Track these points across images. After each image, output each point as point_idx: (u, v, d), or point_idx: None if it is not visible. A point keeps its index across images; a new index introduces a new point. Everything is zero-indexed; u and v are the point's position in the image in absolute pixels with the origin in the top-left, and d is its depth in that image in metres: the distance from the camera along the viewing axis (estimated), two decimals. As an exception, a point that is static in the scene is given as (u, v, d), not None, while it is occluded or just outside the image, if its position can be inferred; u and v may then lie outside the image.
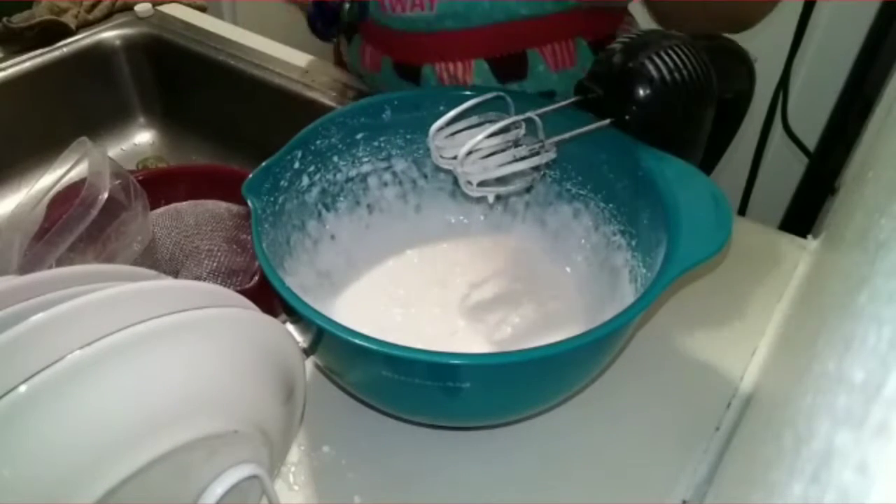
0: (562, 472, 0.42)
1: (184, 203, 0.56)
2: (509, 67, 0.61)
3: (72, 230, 0.46)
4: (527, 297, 0.50)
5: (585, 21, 0.61)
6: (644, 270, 0.43)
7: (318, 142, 0.48)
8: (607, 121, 0.46)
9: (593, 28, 0.62)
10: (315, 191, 0.49)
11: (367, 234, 0.53)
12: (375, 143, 0.51)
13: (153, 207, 0.54)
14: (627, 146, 0.45)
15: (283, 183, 0.46)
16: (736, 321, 0.51)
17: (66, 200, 0.49)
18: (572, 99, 0.48)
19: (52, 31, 0.76)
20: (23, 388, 0.25)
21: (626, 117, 0.45)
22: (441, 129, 0.43)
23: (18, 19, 0.75)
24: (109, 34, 0.81)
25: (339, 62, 0.80)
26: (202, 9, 0.87)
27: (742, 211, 0.80)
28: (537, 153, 0.43)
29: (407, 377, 0.36)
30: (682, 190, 0.42)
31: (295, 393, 0.37)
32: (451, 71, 0.62)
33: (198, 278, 0.52)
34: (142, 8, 0.83)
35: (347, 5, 0.63)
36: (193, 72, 0.80)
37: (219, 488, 0.31)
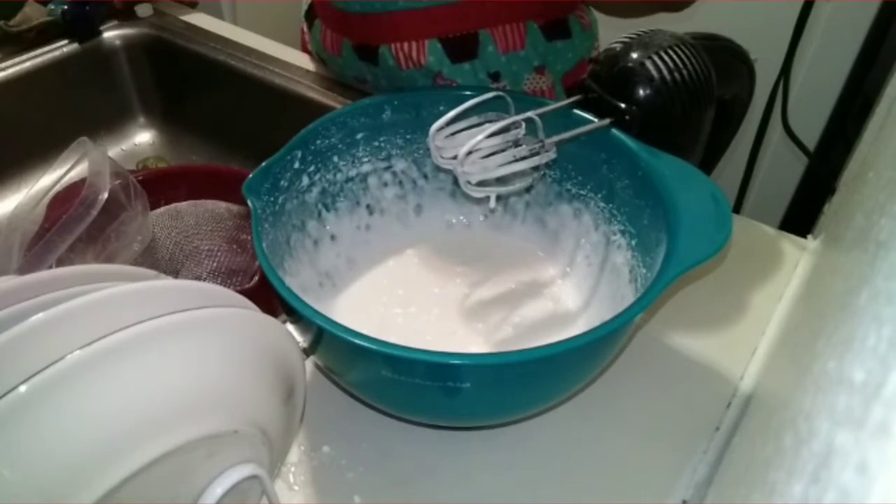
0: (562, 472, 0.42)
1: (184, 203, 0.56)
2: (461, 47, 0.63)
3: (72, 230, 0.46)
4: (527, 297, 0.50)
5: (537, 4, 0.62)
6: (644, 270, 0.43)
7: (318, 142, 0.48)
8: (607, 121, 0.46)
9: (545, 12, 0.63)
10: (315, 191, 0.49)
11: (367, 234, 0.53)
12: (375, 143, 0.51)
13: (153, 207, 0.54)
14: (627, 146, 0.45)
15: (283, 183, 0.46)
16: (736, 321, 0.51)
17: (66, 200, 0.49)
18: (572, 99, 0.48)
19: (49, 33, 0.76)
20: (23, 388, 0.25)
21: (626, 117, 0.45)
22: (441, 129, 0.43)
23: (16, 22, 0.75)
24: (109, 34, 0.81)
25: (306, 49, 0.80)
26: (192, 4, 0.86)
27: (737, 209, 0.80)
28: (537, 153, 0.43)
29: (407, 377, 0.36)
30: (682, 190, 0.42)
31: (295, 393, 0.37)
32: (406, 51, 0.63)
33: (198, 278, 0.52)
34: (142, 8, 0.83)
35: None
36: (193, 72, 0.80)
37: (219, 488, 0.31)
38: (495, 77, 0.64)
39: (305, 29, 0.76)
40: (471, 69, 0.63)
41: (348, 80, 0.72)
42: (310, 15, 0.73)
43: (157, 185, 0.56)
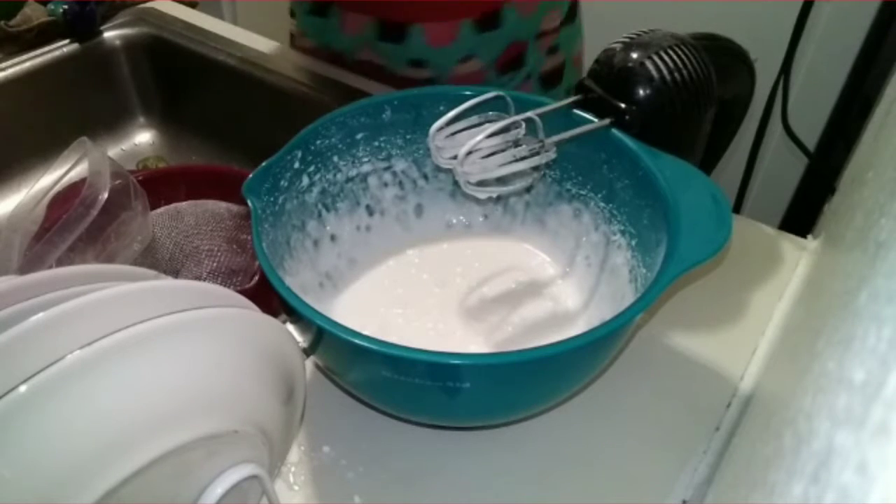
0: (562, 472, 0.42)
1: (184, 203, 0.56)
2: (489, 20, 0.67)
3: (72, 230, 0.46)
4: (527, 297, 0.50)
5: None
6: (644, 270, 0.43)
7: (318, 142, 0.48)
8: (607, 121, 0.46)
9: None
10: (315, 191, 0.49)
11: (367, 234, 0.53)
12: (375, 143, 0.51)
13: (153, 207, 0.54)
14: (627, 146, 0.45)
15: (283, 183, 0.46)
16: (736, 321, 0.51)
17: (66, 200, 0.49)
18: (572, 99, 0.48)
19: (49, 33, 0.76)
20: (23, 388, 0.25)
21: (626, 117, 0.45)
22: (441, 129, 0.43)
23: (16, 22, 0.75)
24: (109, 34, 0.81)
25: (293, 45, 0.81)
26: (192, 4, 0.86)
27: (737, 209, 0.80)
28: (537, 153, 0.43)
29: (407, 377, 0.36)
30: (682, 190, 0.42)
31: (295, 393, 0.37)
32: (438, 29, 0.67)
33: (198, 278, 0.52)
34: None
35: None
36: (193, 72, 0.80)
37: (219, 488, 0.31)
38: (521, 47, 0.69)
39: (293, 23, 0.76)
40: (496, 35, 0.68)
41: (347, 63, 0.73)
42: (320, 8, 0.73)
43: (157, 185, 0.56)
